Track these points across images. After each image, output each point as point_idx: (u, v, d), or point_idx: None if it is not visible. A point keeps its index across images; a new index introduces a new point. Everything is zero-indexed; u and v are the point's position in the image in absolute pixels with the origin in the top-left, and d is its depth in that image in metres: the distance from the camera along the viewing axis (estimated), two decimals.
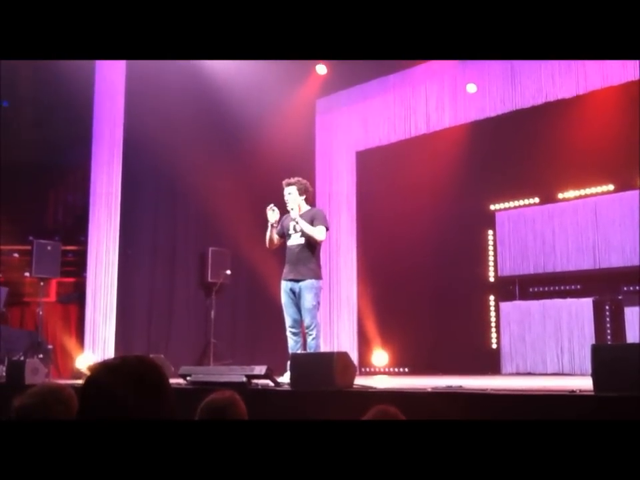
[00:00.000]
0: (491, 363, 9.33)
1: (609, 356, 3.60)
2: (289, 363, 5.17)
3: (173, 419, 1.60)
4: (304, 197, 6.14)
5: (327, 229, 6.08)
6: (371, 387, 4.70)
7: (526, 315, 9.21)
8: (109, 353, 8.30)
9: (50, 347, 8.26)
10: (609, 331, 8.64)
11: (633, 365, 3.35)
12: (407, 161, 10.34)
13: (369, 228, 10.75)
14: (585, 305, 8.74)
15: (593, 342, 7.95)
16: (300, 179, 6.20)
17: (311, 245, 6.00)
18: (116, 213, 8.74)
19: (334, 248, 10.74)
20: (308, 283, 5.91)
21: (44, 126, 8.94)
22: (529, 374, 8.84)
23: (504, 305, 9.58)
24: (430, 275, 10.30)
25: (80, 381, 5.44)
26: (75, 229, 9.40)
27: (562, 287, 9.33)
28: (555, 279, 9.37)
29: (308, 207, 6.18)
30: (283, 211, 6.12)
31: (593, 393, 3.50)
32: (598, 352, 3.65)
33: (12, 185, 8.46)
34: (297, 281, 5.94)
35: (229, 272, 9.53)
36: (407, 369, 10.31)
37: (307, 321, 5.91)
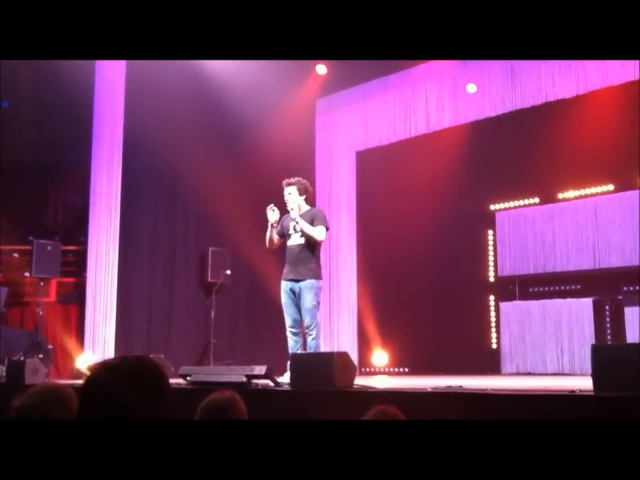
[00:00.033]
0: (491, 363, 9.33)
1: (609, 356, 3.60)
2: (289, 363, 5.17)
3: (172, 419, 1.60)
4: (304, 196, 6.14)
5: (327, 229, 6.08)
6: (371, 387, 4.70)
7: (526, 315, 9.21)
8: (109, 353, 8.30)
9: (50, 347, 8.26)
10: (609, 331, 8.64)
11: (633, 365, 3.35)
12: (407, 161, 10.34)
13: (369, 228, 10.75)
14: (585, 305, 8.74)
15: (593, 342, 7.95)
16: (300, 178, 6.19)
17: (311, 245, 6.00)
18: (116, 213, 8.74)
19: (334, 248, 10.74)
20: (308, 283, 5.91)
21: (44, 126, 8.94)
22: (529, 374, 8.84)
23: (504, 305, 9.58)
24: (430, 274, 10.31)
25: (80, 381, 5.44)
26: (75, 229, 9.40)
27: (562, 287, 9.33)
28: (555, 279, 9.37)
29: (308, 207, 6.18)
30: (283, 211, 6.11)
31: (593, 393, 3.50)
32: (598, 352, 3.65)
33: (12, 184, 8.46)
34: (297, 281, 5.94)
35: (229, 272, 9.53)
36: (407, 369, 10.30)
37: (306, 321, 5.91)
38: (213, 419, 2.75)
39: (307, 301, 5.89)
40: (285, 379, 5.19)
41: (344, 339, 10.57)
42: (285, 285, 6.02)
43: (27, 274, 8.49)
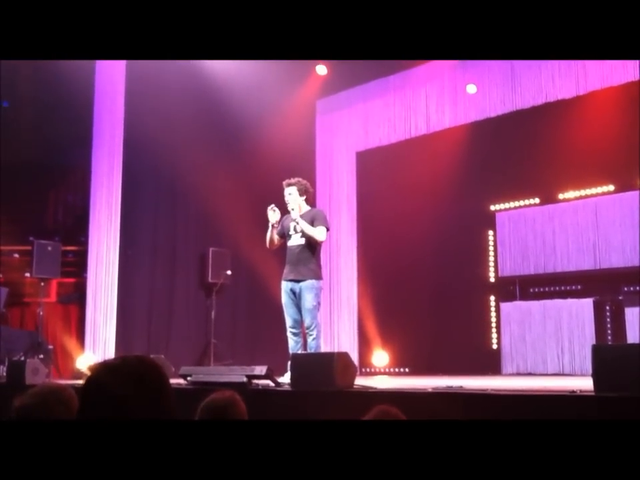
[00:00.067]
0: (491, 363, 9.33)
1: (609, 356, 3.60)
2: (289, 363, 5.17)
3: (173, 419, 1.60)
4: (304, 197, 6.14)
5: (328, 230, 6.08)
6: (372, 387, 4.70)
7: (526, 315, 9.20)
8: (110, 353, 8.29)
9: (50, 347, 8.26)
10: (609, 331, 8.64)
11: (634, 365, 3.34)
12: (407, 162, 10.34)
13: (369, 228, 10.75)
14: (586, 305, 8.74)
15: (594, 342, 7.93)
16: (300, 179, 6.19)
17: (311, 246, 6.00)
18: (116, 213, 8.74)
19: (334, 248, 10.74)
20: (308, 283, 5.91)
21: (44, 126, 8.93)
22: (530, 374, 8.84)
23: (504, 305, 9.58)
24: (430, 275, 10.31)
25: (80, 381, 5.43)
26: (75, 229, 9.40)
27: (562, 287, 9.33)
28: (556, 279, 9.37)
29: (308, 208, 6.18)
30: (283, 211, 6.11)
31: (593, 393, 3.50)
32: (598, 352, 3.65)
33: (12, 185, 8.45)
34: (297, 281, 5.94)
35: (229, 272, 9.53)
36: (407, 369, 10.30)
37: (307, 321, 5.91)
38: (213, 419, 2.75)
39: (307, 301, 5.89)
40: (286, 379, 5.19)
41: (344, 339, 10.57)
42: (285, 286, 6.02)
43: (28, 274, 8.49)
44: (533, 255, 9.47)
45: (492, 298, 10.08)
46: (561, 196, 9.48)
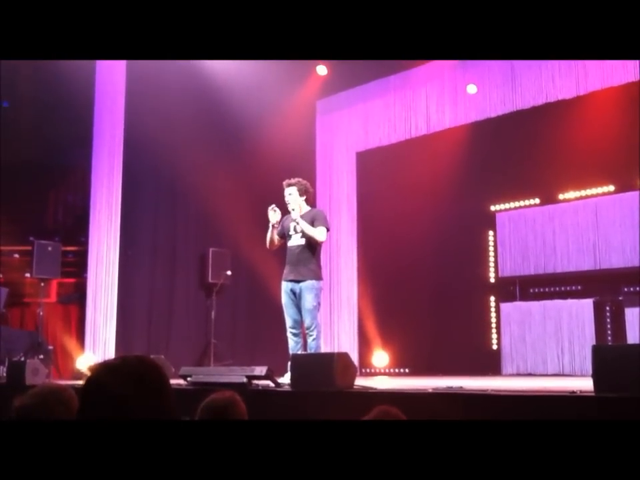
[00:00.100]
0: (491, 364, 9.33)
1: (609, 357, 3.60)
2: (289, 363, 5.17)
3: (173, 419, 1.60)
4: (304, 197, 6.13)
5: (328, 230, 6.08)
6: (372, 388, 4.70)
7: (526, 316, 9.20)
8: (110, 353, 8.29)
9: (50, 347, 8.26)
10: (609, 332, 8.64)
11: (634, 365, 3.34)
12: (407, 162, 10.34)
13: (370, 229, 10.75)
14: (586, 305, 8.73)
15: (594, 343, 7.94)
16: (300, 179, 6.19)
17: (312, 246, 6.00)
18: (116, 213, 8.74)
19: (334, 248, 10.74)
20: (308, 283, 5.91)
21: (44, 126, 8.92)
22: (530, 375, 8.84)
23: (504, 306, 9.57)
24: (430, 275, 10.31)
25: (81, 382, 5.44)
26: (75, 230, 9.40)
27: (562, 288, 9.33)
28: (556, 280, 9.37)
29: (308, 208, 6.17)
30: (284, 211, 6.11)
31: (593, 394, 3.50)
32: (598, 353, 3.65)
33: (12, 185, 8.45)
34: (298, 281, 5.94)
35: (229, 273, 9.53)
36: (407, 370, 10.30)
37: (307, 321, 5.91)
38: (213, 419, 2.75)
39: (308, 301, 5.89)
40: (286, 379, 5.19)
41: (344, 339, 10.57)
42: (285, 286, 6.02)
43: (28, 274, 8.49)
44: (533, 255, 9.47)
45: (492, 298, 10.08)
46: (561, 196, 9.48)
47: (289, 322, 5.99)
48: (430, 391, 4.28)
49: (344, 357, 4.79)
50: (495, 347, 9.79)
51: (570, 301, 8.92)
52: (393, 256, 10.41)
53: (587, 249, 8.99)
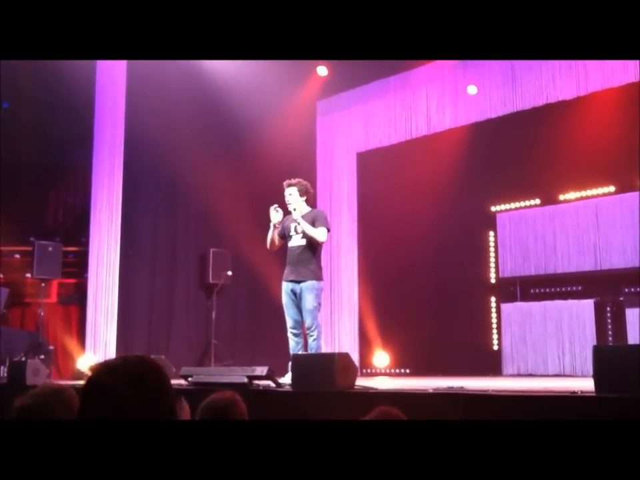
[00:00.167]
0: (492, 364, 9.33)
1: (610, 357, 3.60)
2: (290, 363, 5.17)
3: (173, 419, 1.60)
4: (305, 197, 6.13)
5: (328, 230, 6.08)
6: (372, 388, 4.70)
7: (527, 316, 9.20)
8: (110, 353, 8.29)
9: (51, 347, 8.27)
10: (610, 332, 8.64)
11: (634, 366, 3.34)
12: (407, 163, 10.33)
13: (370, 229, 10.75)
14: (586, 306, 8.73)
15: (594, 343, 7.94)
16: (301, 180, 6.19)
17: (312, 246, 6.00)
18: (117, 214, 8.74)
19: (335, 249, 10.74)
20: (309, 284, 5.91)
21: (44, 126, 8.92)
22: (530, 375, 8.83)
23: (505, 306, 9.57)
24: (431, 276, 10.31)
25: (81, 382, 5.44)
26: (76, 230, 9.39)
27: (563, 288, 9.32)
28: (556, 280, 9.37)
29: (309, 208, 6.17)
30: (284, 212, 6.11)
31: (594, 394, 3.50)
32: (599, 353, 3.65)
33: (12, 185, 8.45)
34: (298, 282, 5.94)
35: (230, 273, 9.53)
36: (408, 370, 10.30)
37: (307, 322, 5.91)
38: (214, 419, 2.75)
39: (308, 302, 5.89)
40: (286, 379, 5.19)
41: (345, 340, 10.56)
42: (285, 286, 6.02)
43: (28, 275, 8.50)
44: (533, 255, 9.47)
45: (492, 299, 10.08)
46: (561, 197, 9.48)
47: (289, 322, 5.99)
48: (431, 391, 4.28)
49: (345, 357, 4.79)
50: (495, 347, 9.79)
51: (571, 302, 8.92)
52: (394, 256, 10.41)
53: (588, 249, 8.99)
